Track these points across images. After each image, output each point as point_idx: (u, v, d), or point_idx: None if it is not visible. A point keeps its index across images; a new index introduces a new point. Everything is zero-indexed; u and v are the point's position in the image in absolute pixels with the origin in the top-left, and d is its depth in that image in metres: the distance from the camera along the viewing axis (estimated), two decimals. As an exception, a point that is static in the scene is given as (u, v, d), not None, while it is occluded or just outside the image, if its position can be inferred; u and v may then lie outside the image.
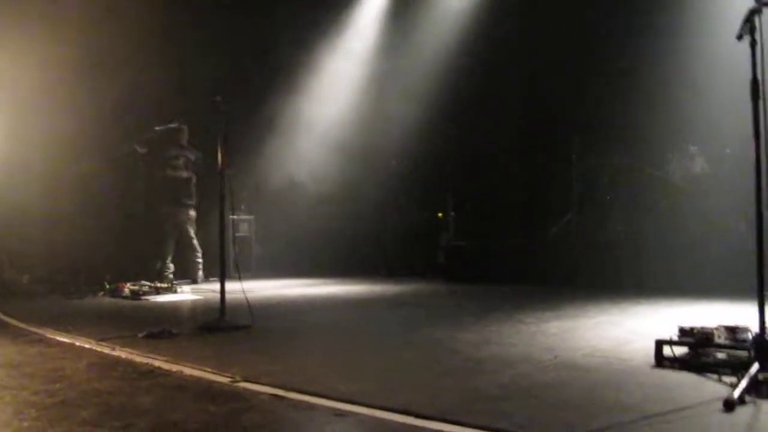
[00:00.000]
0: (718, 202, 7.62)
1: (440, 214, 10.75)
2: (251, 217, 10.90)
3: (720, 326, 3.57)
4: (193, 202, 9.25)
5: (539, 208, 9.77)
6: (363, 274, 9.96)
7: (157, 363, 3.91)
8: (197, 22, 10.01)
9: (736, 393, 2.77)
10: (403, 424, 2.70)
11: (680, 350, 3.59)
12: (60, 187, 9.05)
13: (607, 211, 8.89)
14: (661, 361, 3.56)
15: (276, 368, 3.73)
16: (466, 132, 10.35)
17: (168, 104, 9.42)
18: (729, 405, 2.71)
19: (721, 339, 3.51)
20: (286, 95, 10.82)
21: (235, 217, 10.24)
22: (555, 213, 9.37)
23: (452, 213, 10.37)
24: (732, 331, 3.53)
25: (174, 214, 9.14)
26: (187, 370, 3.70)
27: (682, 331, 3.65)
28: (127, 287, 7.79)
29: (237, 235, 10.19)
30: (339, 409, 2.90)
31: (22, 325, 5.59)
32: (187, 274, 9.25)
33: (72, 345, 4.64)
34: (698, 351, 3.52)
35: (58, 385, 3.41)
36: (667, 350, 3.58)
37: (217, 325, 5.13)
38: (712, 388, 3.07)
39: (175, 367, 3.78)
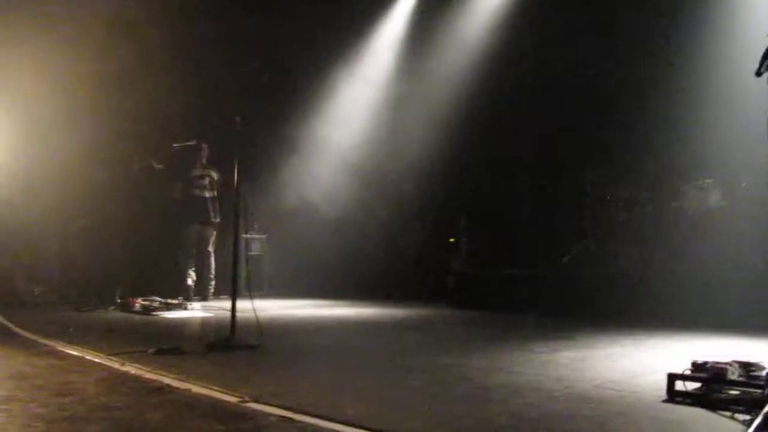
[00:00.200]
0: (733, 235, 7.56)
1: (452, 240, 10.73)
2: (264, 236, 10.93)
3: (734, 362, 3.53)
4: (216, 220, 9.40)
5: (552, 236, 9.73)
6: (374, 297, 9.94)
7: (166, 380, 3.91)
8: (216, 43, 10.12)
9: (750, 431, 2.73)
10: (411, 451, 2.68)
11: (693, 385, 3.54)
12: (75, 201, 9.12)
13: (621, 242, 8.84)
14: (673, 395, 3.51)
15: (285, 389, 3.72)
16: (480, 158, 10.36)
17: (186, 122, 9.51)
18: (742, 443, 2.67)
19: (734, 375, 3.47)
20: (302, 117, 10.89)
21: (247, 235, 10.31)
22: (567, 242, 9.33)
23: (464, 239, 10.36)
24: (746, 367, 3.49)
25: (197, 232, 9.28)
26: (196, 388, 3.70)
27: (695, 366, 3.60)
28: (138, 302, 7.81)
29: (249, 253, 10.23)
30: (347, 433, 2.88)
31: (32, 337, 5.61)
32: (198, 291, 9.27)
33: (82, 358, 4.65)
34: (711, 387, 3.48)
35: (67, 398, 3.42)
36: (679, 385, 3.53)
37: (227, 343, 5.12)
38: (724, 425, 3.03)
39: (183, 385, 3.78)
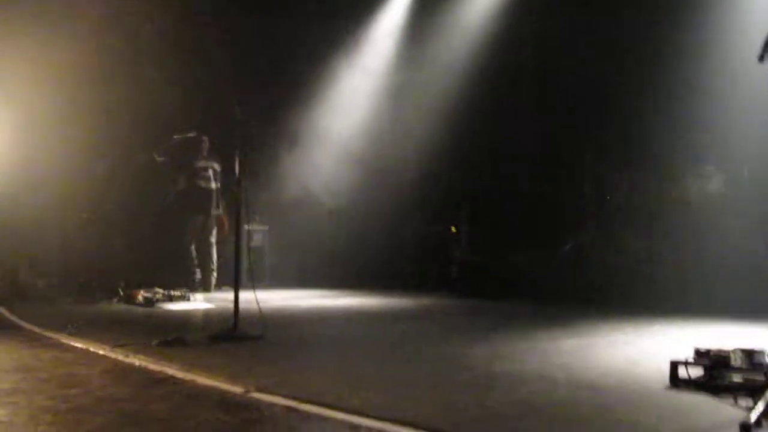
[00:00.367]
0: (735, 221, 7.56)
1: (454, 229, 10.73)
2: (265, 227, 10.93)
3: (736, 349, 3.54)
4: (219, 211, 9.44)
5: (554, 224, 9.72)
6: (376, 286, 9.95)
7: (170, 371, 3.93)
8: (214, 34, 10.10)
9: (753, 416, 2.74)
10: (416, 439, 2.69)
11: (696, 372, 3.56)
12: (77, 194, 9.13)
13: (622, 229, 8.84)
14: (676, 382, 3.53)
15: (289, 379, 3.74)
16: (481, 146, 10.34)
17: (186, 114, 9.50)
18: (745, 429, 2.67)
19: (737, 362, 3.48)
20: (302, 108, 10.87)
21: (249, 227, 10.31)
22: (569, 230, 9.32)
23: (466, 228, 10.36)
24: (749, 354, 3.50)
25: (201, 223, 9.31)
26: (201, 379, 3.72)
27: (698, 353, 3.62)
28: (141, 294, 7.83)
29: (251, 245, 10.24)
30: (352, 422, 2.89)
31: (36, 330, 5.63)
32: (200, 283, 9.30)
33: (86, 351, 4.67)
34: (714, 373, 3.49)
35: (72, 390, 3.44)
36: (682, 371, 3.55)
37: (231, 334, 5.14)
38: (727, 411, 3.04)
39: (188, 376, 3.79)
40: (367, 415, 2.96)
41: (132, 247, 9.28)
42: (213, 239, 9.45)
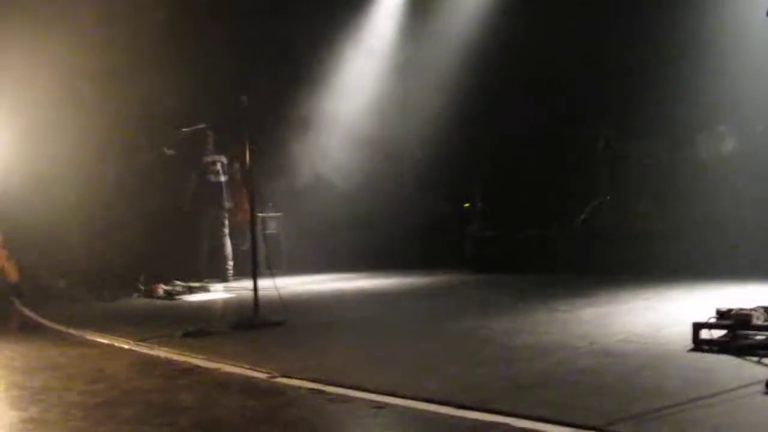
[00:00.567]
0: (750, 180, 7.49)
1: (467, 204, 10.71)
2: (279, 214, 10.97)
3: (758, 307, 3.53)
4: (229, 204, 9.50)
5: (567, 194, 9.67)
6: (392, 267, 9.98)
7: (195, 361, 3.98)
8: (217, 23, 10.07)
9: (778, 374, 2.74)
10: (442, 414, 2.72)
11: (718, 333, 3.55)
12: (92, 192, 9.20)
13: (637, 195, 8.79)
14: (698, 344, 3.53)
15: (312, 363, 3.77)
16: (491, 120, 10.27)
17: (193, 106, 9.51)
18: (771, 386, 2.68)
19: (759, 320, 3.47)
20: (310, 92, 10.84)
21: (264, 215, 10.36)
22: (583, 199, 9.27)
23: (480, 203, 10.33)
24: (771, 311, 3.49)
25: (213, 216, 9.38)
26: (226, 367, 3.76)
27: (720, 314, 3.61)
28: (161, 288, 7.90)
29: (266, 232, 10.30)
30: (377, 401, 2.93)
31: (62, 328, 5.70)
32: (217, 274, 9.36)
33: (111, 346, 4.73)
34: (736, 333, 3.48)
35: (101, 385, 3.49)
36: (704, 333, 3.54)
37: (252, 322, 5.18)
38: (751, 370, 3.04)
39: (213, 365, 3.84)
40: (391, 394, 2.99)
41: (149, 242, 9.34)
42: (226, 231, 9.51)
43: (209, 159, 9.41)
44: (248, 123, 5.57)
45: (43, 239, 8.87)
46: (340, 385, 3.18)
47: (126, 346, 4.65)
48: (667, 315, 4.67)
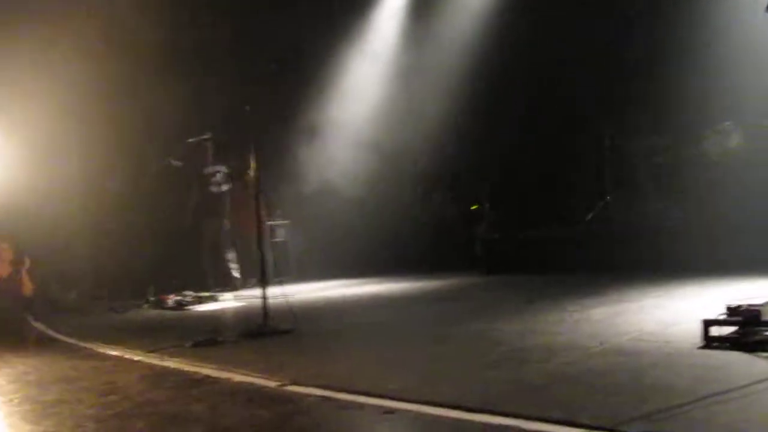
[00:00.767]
0: (758, 175, 7.45)
1: (475, 207, 10.70)
2: (287, 221, 11.00)
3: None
4: (226, 213, 9.52)
5: (574, 194, 9.66)
6: (401, 271, 9.98)
7: (205, 371, 3.99)
8: (221, 31, 10.13)
9: (789, 369, 2.73)
10: (452, 418, 2.72)
11: (728, 329, 3.53)
12: (101, 205, 9.26)
13: (644, 193, 8.76)
14: (709, 341, 3.51)
15: (322, 370, 3.78)
16: (497, 121, 10.27)
17: (198, 116, 9.56)
18: (782, 382, 2.67)
19: (769, 316, 3.45)
20: (314, 97, 10.88)
21: (271, 222, 10.39)
22: (591, 198, 9.25)
23: (487, 205, 10.32)
24: (781, 307, 3.47)
25: (215, 226, 9.39)
26: (236, 377, 3.77)
27: (730, 310, 3.59)
28: (171, 298, 7.92)
29: (274, 240, 10.32)
30: (388, 407, 2.93)
31: (73, 341, 5.73)
32: (225, 283, 9.38)
33: (122, 358, 4.75)
34: (747, 329, 3.46)
35: (112, 397, 3.51)
36: (714, 330, 3.53)
37: (262, 330, 5.19)
38: (762, 366, 3.03)
39: (224, 374, 3.85)
40: (402, 399, 2.99)
41: (159, 253, 9.38)
42: (227, 240, 9.52)
43: (209, 170, 9.42)
44: (253, 131, 5.60)
45: (53, 252, 8.93)
46: (351, 392, 3.19)
47: (137, 358, 4.67)
48: (678, 312, 4.64)
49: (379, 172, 10.95)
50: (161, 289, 8.33)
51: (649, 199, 8.67)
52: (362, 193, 11.15)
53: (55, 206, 8.88)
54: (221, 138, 9.37)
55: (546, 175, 10.05)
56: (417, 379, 3.44)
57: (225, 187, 9.48)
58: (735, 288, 5.51)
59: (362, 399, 3.08)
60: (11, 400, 3.60)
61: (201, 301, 7.87)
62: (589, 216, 9.03)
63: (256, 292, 6.59)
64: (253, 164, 5.59)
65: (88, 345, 5.40)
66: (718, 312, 3.62)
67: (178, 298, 7.92)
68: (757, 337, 3.40)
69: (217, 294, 8.20)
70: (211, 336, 5.08)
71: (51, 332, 6.46)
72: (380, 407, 2.94)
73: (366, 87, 11.12)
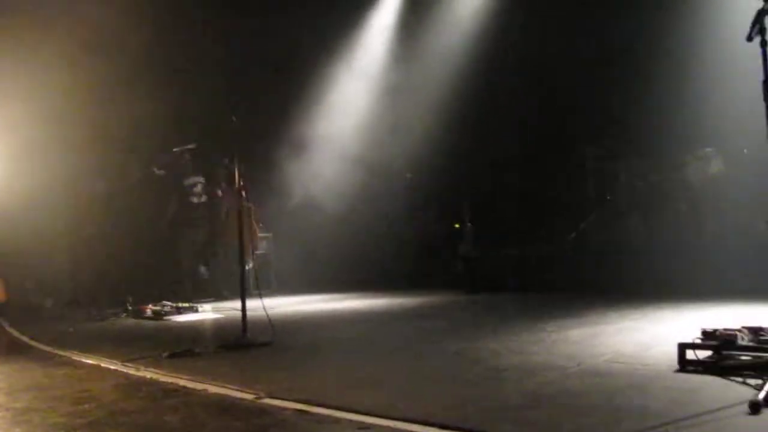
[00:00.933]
0: (736, 202, 7.55)
1: (457, 225, 10.74)
2: (270, 234, 10.96)
3: (743, 328, 3.55)
4: (204, 223, 9.53)
5: (556, 214, 9.73)
6: (382, 287, 9.97)
7: (181, 382, 3.95)
8: (208, 43, 10.14)
9: (762, 395, 2.75)
10: (428, 436, 2.71)
11: (704, 353, 3.56)
12: (80, 211, 9.18)
13: (625, 216, 8.85)
14: (684, 364, 3.53)
15: (299, 384, 3.76)
16: (480, 141, 10.35)
17: (183, 126, 9.54)
18: (754, 407, 2.69)
19: (744, 341, 3.49)
20: (301, 113, 10.90)
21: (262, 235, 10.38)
22: (572, 219, 9.33)
23: (469, 223, 10.36)
24: (755, 332, 3.51)
25: (194, 236, 9.37)
26: (212, 388, 3.74)
27: (705, 334, 3.63)
28: (150, 308, 7.86)
29: (256, 252, 10.27)
30: (363, 422, 2.91)
31: (47, 348, 5.66)
32: (207, 293, 9.33)
33: (98, 367, 4.70)
34: (722, 353, 3.50)
35: (86, 406, 3.46)
36: (690, 354, 3.55)
37: (239, 342, 5.16)
38: (736, 390, 3.05)
39: (199, 386, 3.81)
40: (378, 415, 2.98)
41: (137, 262, 9.31)
42: (204, 250, 9.53)
43: (189, 181, 9.42)
44: (238, 143, 5.59)
45: (30, 258, 8.82)
46: (327, 406, 3.17)
47: (112, 367, 4.61)
48: (655, 335, 4.67)
49: (364, 187, 10.96)
50: (140, 299, 8.26)
51: (630, 221, 8.76)
52: (346, 209, 11.15)
53: (34, 212, 8.79)
54: (206, 149, 9.37)
55: (529, 194, 10.13)
56: (393, 395, 3.43)
57: (204, 198, 9.48)
58: (711, 312, 5.57)
59: (338, 414, 3.07)
60: (-19, 407, 3.54)
61: (179, 311, 7.81)
62: (571, 236, 9.10)
63: (236, 304, 6.56)
64: (237, 176, 5.58)
65: (63, 353, 5.33)
66: (694, 336, 3.65)
67: (157, 307, 7.86)
68: (731, 362, 3.44)
69: (196, 305, 8.14)
70: (188, 347, 5.04)
71: (25, 339, 6.37)
72: (355, 422, 2.93)
73: (353, 103, 11.16)
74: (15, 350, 5.84)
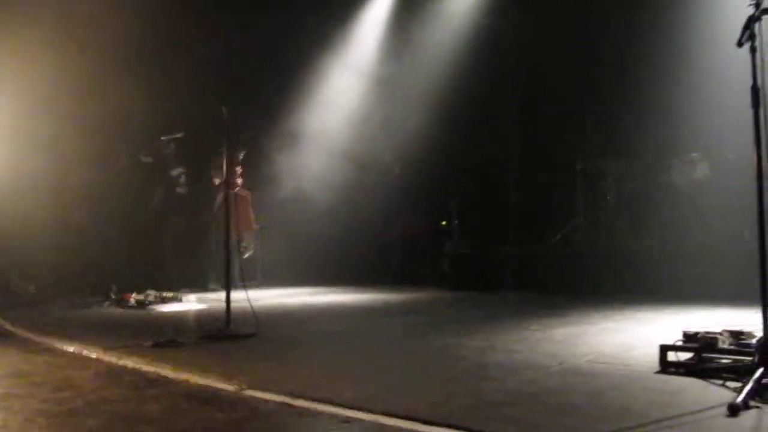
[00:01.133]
0: (721, 207, 7.62)
1: (444, 222, 10.76)
2: (256, 226, 10.92)
3: (724, 331, 3.58)
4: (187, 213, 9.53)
5: (543, 215, 9.78)
6: (368, 282, 9.97)
7: (163, 372, 3.93)
8: (199, 33, 10.06)
9: (741, 398, 2.78)
10: (408, 430, 2.71)
11: (685, 355, 3.59)
12: (66, 197, 9.10)
13: (611, 218, 8.90)
14: (665, 366, 3.56)
15: (282, 376, 3.75)
16: (469, 139, 10.37)
17: (173, 115, 9.48)
18: (733, 410, 2.72)
19: (725, 344, 3.52)
20: (291, 106, 10.86)
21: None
22: (559, 220, 9.38)
23: (456, 221, 10.39)
24: (736, 335, 3.54)
25: (178, 226, 9.34)
26: (194, 379, 3.72)
27: (687, 337, 3.66)
28: (133, 297, 7.81)
29: (242, 244, 10.24)
30: (345, 416, 2.91)
31: (28, 335, 5.61)
32: (192, 284, 9.29)
33: (79, 354, 4.66)
34: (703, 356, 3.53)
35: (66, 393, 3.44)
36: (671, 356, 3.59)
37: (223, 333, 5.15)
38: (716, 393, 3.08)
39: (181, 376, 3.80)
40: (360, 408, 2.98)
41: (122, 250, 9.25)
42: (188, 241, 9.53)
43: (175, 172, 9.39)
44: (228, 134, 5.57)
45: (13, 243, 8.74)
46: (309, 399, 3.17)
47: (94, 355, 4.58)
48: (637, 337, 4.71)
49: (352, 182, 10.95)
50: (124, 287, 8.21)
51: (616, 224, 8.82)
52: (334, 203, 11.13)
53: (18, 198, 8.70)
54: (172, 143, 9.34)
55: (517, 193, 10.17)
56: (376, 389, 3.43)
57: (187, 188, 9.46)
58: (693, 315, 5.62)
59: (320, 407, 3.06)
60: (-41, 393, 3.51)
61: (164, 301, 7.77)
62: (558, 236, 9.14)
63: (220, 295, 6.54)
64: (224, 167, 5.56)
65: (45, 340, 5.29)
66: (676, 338, 3.68)
67: (140, 297, 7.82)
68: (712, 364, 3.47)
69: (180, 294, 8.10)
70: (171, 337, 5.01)
71: (6, 325, 6.31)
72: (337, 416, 2.93)
73: (343, 97, 11.14)
74: (-5, 336, 5.79)
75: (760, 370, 2.98)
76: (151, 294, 7.90)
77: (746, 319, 4.43)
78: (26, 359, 4.47)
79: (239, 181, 9.86)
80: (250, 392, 3.38)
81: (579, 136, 9.35)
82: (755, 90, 3.18)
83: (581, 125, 9.39)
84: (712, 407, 2.82)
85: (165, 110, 9.40)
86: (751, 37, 3.21)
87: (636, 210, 8.65)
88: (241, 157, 9.67)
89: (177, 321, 6.60)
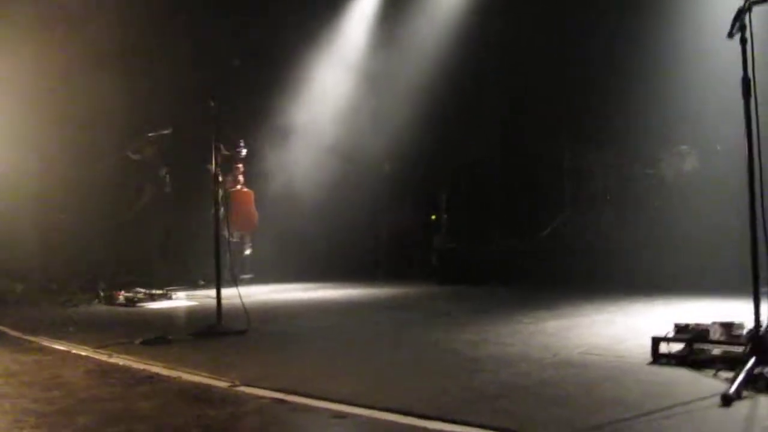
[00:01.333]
0: (710, 199, 7.66)
1: (433, 217, 10.76)
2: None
3: (715, 322, 3.60)
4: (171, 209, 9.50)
5: (533, 208, 9.79)
6: (358, 277, 9.96)
7: (154, 369, 3.90)
8: (188, 28, 9.99)
9: (733, 388, 2.79)
10: (403, 425, 2.70)
11: (676, 347, 3.61)
12: (53, 194, 9.02)
13: (600, 211, 8.93)
14: (657, 357, 3.58)
15: (274, 372, 3.74)
16: (457, 133, 10.37)
17: (160, 111, 9.40)
18: (726, 400, 2.73)
19: (716, 335, 3.54)
20: (279, 101, 10.81)
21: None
22: (548, 213, 9.39)
23: (445, 215, 10.39)
24: (727, 326, 3.56)
25: (165, 221, 9.31)
26: (185, 376, 3.70)
27: (678, 328, 3.68)
28: (122, 294, 7.76)
29: (233, 240, 10.19)
30: (338, 411, 2.90)
31: (17, 334, 5.55)
32: (181, 281, 9.24)
33: (69, 353, 4.62)
34: (694, 347, 3.54)
35: (56, 392, 3.40)
36: (663, 347, 3.60)
37: (214, 330, 5.11)
38: (708, 383, 3.09)
39: (173, 373, 3.77)
40: (354, 404, 2.97)
41: (110, 248, 9.18)
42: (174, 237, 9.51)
43: (164, 169, 9.34)
44: (216, 129, 5.52)
45: (0, 242, 8.66)
46: (302, 395, 3.15)
47: (84, 353, 4.54)
48: (629, 328, 4.73)
49: (342, 177, 10.93)
50: (112, 285, 8.15)
51: (605, 216, 8.85)
52: (323, 198, 11.10)
53: (3, 197, 8.61)
54: (157, 142, 9.29)
55: (505, 187, 10.18)
56: (369, 384, 3.42)
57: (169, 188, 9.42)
58: (684, 307, 5.65)
59: (313, 402, 3.05)
60: (-53, 393, 3.47)
61: (153, 298, 7.72)
62: (547, 230, 9.16)
63: (211, 291, 6.50)
64: (213, 162, 5.51)
65: (33, 338, 5.24)
66: (667, 329, 3.69)
67: (129, 294, 7.76)
68: (703, 356, 3.48)
69: (170, 292, 8.05)
70: (161, 334, 4.98)
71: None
72: (331, 411, 2.92)
73: (332, 92, 11.10)
74: (-17, 335, 5.73)
75: (752, 360, 2.99)
76: (141, 291, 7.85)
77: (736, 310, 4.46)
78: (16, 359, 4.43)
79: (240, 179, 9.80)
80: (242, 389, 3.36)
81: (567, 130, 9.37)
82: (746, 81, 3.18)
83: (569, 119, 9.41)
84: (705, 398, 2.83)
85: (149, 107, 9.32)
86: (741, 29, 3.21)
87: (625, 202, 8.68)
88: (242, 156, 9.62)
89: (167, 318, 6.57)
